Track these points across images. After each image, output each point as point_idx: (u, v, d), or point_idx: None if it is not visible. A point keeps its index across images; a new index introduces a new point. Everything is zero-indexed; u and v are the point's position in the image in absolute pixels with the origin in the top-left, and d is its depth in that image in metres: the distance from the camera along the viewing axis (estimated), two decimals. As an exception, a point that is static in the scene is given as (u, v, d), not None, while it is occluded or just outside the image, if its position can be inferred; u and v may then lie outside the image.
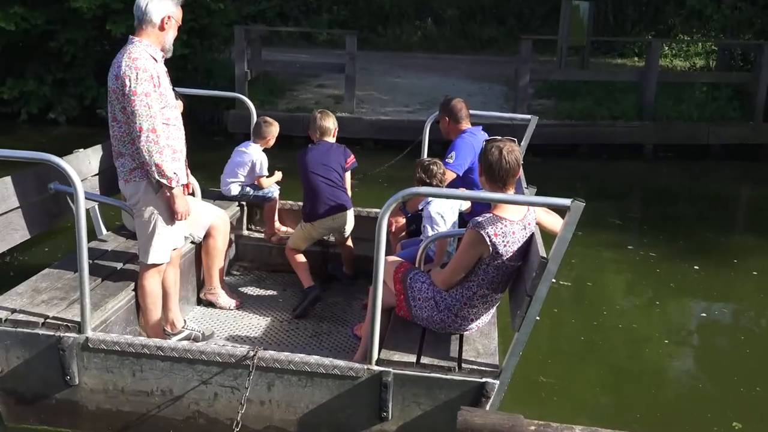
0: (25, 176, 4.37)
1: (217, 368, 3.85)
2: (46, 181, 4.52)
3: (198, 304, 5.36)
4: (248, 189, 5.88)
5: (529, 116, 6.20)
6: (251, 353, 3.80)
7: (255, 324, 5.15)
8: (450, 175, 5.08)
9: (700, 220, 9.25)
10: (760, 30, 14.53)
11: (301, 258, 5.45)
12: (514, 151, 3.79)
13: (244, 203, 6.17)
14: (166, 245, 4.30)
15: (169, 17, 4.07)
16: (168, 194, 4.15)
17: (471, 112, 5.53)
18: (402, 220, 5.34)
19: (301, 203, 5.63)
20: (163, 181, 4.06)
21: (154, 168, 4.03)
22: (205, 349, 3.85)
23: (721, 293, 6.91)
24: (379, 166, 10.02)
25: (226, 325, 5.11)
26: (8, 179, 4.25)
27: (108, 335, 3.93)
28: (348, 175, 5.45)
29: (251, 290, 5.71)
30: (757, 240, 8.56)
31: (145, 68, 3.95)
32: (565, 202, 3.35)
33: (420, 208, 4.79)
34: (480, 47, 21.59)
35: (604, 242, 8.02)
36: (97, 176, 5.05)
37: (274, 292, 5.67)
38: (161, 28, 4.08)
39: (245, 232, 6.32)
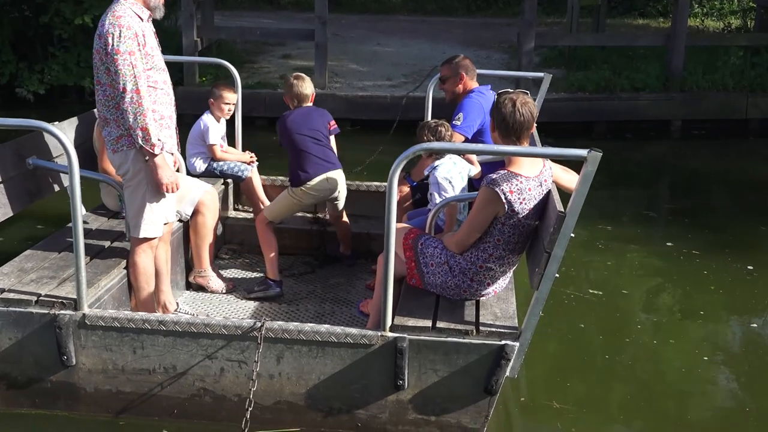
0: (3, 149, 5.14)
1: (222, 342, 4.63)
2: (23, 155, 5.29)
3: (187, 289, 6.18)
4: (214, 164, 6.65)
5: (542, 74, 7.10)
6: (258, 324, 4.58)
7: (250, 308, 5.95)
8: (458, 138, 5.92)
9: (744, 209, 9.74)
10: None
11: (273, 240, 6.19)
12: (527, 103, 4.62)
13: (229, 181, 6.99)
14: (158, 218, 5.09)
15: None
16: (151, 163, 4.89)
17: (480, 71, 6.37)
18: (406, 189, 6.15)
19: (283, 178, 6.42)
20: (146, 147, 4.81)
21: (138, 132, 4.77)
22: (210, 321, 4.64)
23: None
24: (357, 153, 10.22)
25: (219, 310, 5.90)
26: None
27: (106, 311, 4.72)
28: (333, 139, 6.31)
29: (242, 274, 6.54)
30: None
31: (129, 26, 4.73)
32: (582, 152, 4.15)
33: (426, 174, 5.60)
34: (476, 8, 22.77)
35: (639, 239, 8.53)
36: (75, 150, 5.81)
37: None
38: None
39: (232, 213, 7.17)
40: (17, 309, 4.68)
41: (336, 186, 6.25)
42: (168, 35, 14.72)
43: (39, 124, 4.52)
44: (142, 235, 5.08)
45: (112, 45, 4.69)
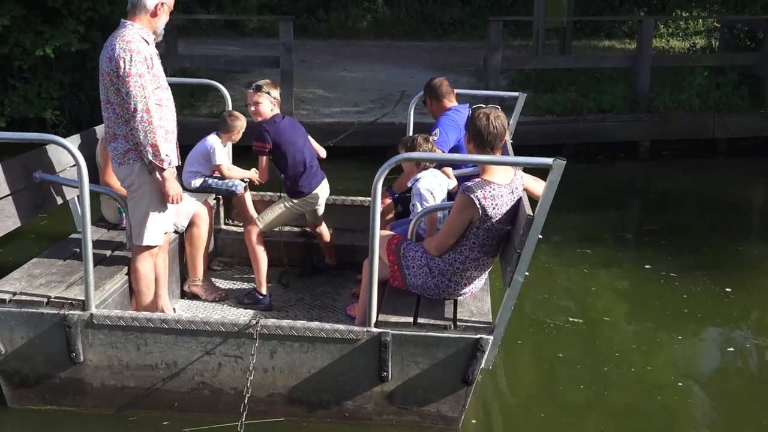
0: (12, 163, 5.87)
1: (220, 338, 5.35)
2: (31, 169, 6.02)
3: (182, 297, 6.91)
4: (210, 181, 7.37)
5: (517, 93, 8.07)
6: (254, 321, 5.32)
7: (243, 315, 6.66)
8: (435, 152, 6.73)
9: (719, 230, 10.33)
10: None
11: (263, 251, 6.94)
12: (500, 117, 5.45)
13: (220, 197, 7.77)
14: (160, 228, 5.83)
15: (162, 3, 5.62)
16: (159, 176, 5.66)
17: (458, 90, 7.24)
18: (388, 201, 6.96)
19: (272, 193, 7.18)
20: (156, 162, 5.57)
21: (148, 148, 5.52)
22: (208, 320, 5.36)
23: (757, 321, 7.82)
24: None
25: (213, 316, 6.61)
26: None
27: (112, 311, 5.44)
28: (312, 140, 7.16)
29: (234, 284, 7.29)
30: None
31: (138, 50, 5.48)
32: (548, 160, 4.97)
33: (408, 185, 6.41)
34: (442, 32, 23.86)
35: (618, 262, 9.11)
36: (75, 167, 6.55)
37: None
38: (154, 14, 5.62)
39: (223, 227, 7.96)
40: (29, 310, 5.38)
41: (326, 194, 7.12)
42: None
43: (52, 137, 5.26)
44: (144, 243, 5.81)
45: (124, 68, 5.43)
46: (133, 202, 5.79)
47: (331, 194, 7.37)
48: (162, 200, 5.76)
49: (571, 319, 7.48)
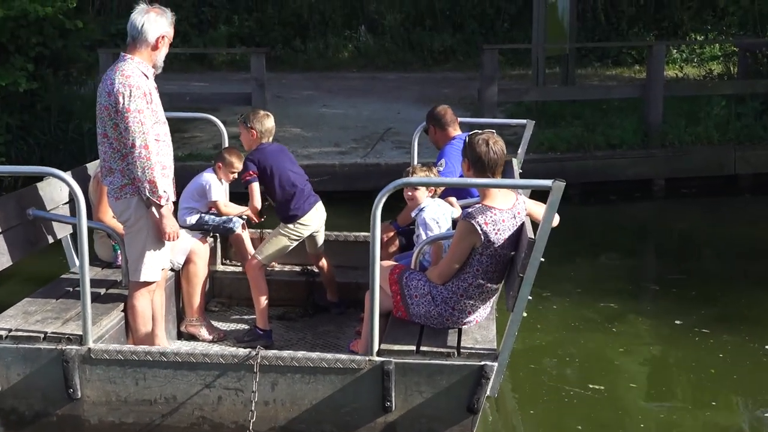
0: (5, 200, 6.77)
1: (220, 371, 6.18)
2: (24, 206, 6.90)
3: (179, 338, 7.77)
4: (206, 218, 8.22)
5: (524, 121, 9.27)
6: (254, 353, 6.17)
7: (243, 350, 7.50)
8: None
9: (753, 280, 10.80)
10: None
11: (264, 285, 7.87)
12: (498, 141, 6.37)
13: (217, 235, 8.65)
14: (158, 264, 6.69)
15: (163, 36, 6.53)
16: (156, 213, 6.50)
17: (462, 119, 8.21)
18: (391, 233, 7.92)
19: (270, 230, 8.12)
20: (153, 198, 6.41)
21: (146, 184, 6.37)
22: (208, 351, 6.23)
23: None
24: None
25: (211, 356, 7.48)
26: None
27: (110, 345, 6.30)
28: None
29: (232, 325, 8.14)
30: None
31: (138, 86, 6.37)
32: (547, 182, 5.88)
33: (413, 216, 7.34)
34: (432, 61, 25.21)
35: (641, 316, 9.62)
36: (68, 204, 7.45)
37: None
38: (155, 47, 6.53)
39: (220, 267, 8.86)
40: (26, 345, 6.21)
41: (322, 218, 8.06)
42: (87, 104, 15.51)
43: (50, 170, 6.15)
44: (142, 279, 6.66)
45: (123, 104, 6.31)
46: (130, 237, 6.66)
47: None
48: (159, 235, 6.62)
49: (591, 386, 7.94)
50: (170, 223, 6.57)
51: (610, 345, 8.89)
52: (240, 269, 8.58)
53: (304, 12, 26.55)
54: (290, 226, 7.91)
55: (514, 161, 8.38)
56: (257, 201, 7.98)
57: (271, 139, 8.04)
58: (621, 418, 7.52)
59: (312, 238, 8.16)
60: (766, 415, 7.59)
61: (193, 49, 23.22)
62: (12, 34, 14.83)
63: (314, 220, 7.98)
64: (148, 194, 6.42)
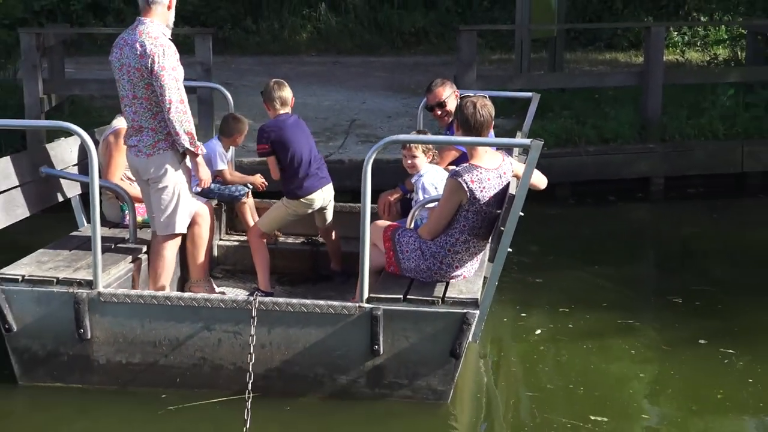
0: (20, 157, 8.62)
1: (220, 315, 7.98)
2: (36, 164, 8.72)
3: None
4: (212, 186, 9.89)
5: (530, 94, 10.88)
6: (251, 299, 7.86)
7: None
8: (451, 152, 9.49)
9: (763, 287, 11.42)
10: None
11: (266, 252, 9.66)
12: (486, 105, 8.21)
13: (222, 204, 10.47)
14: (187, 215, 8.58)
15: None
16: (193, 163, 8.35)
17: (464, 91, 9.93)
18: (397, 195, 9.66)
19: (276, 200, 9.91)
20: (191, 148, 8.28)
21: (185, 136, 8.22)
22: (209, 297, 7.99)
23: None
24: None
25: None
26: (7, 159, 8.46)
27: (119, 289, 8.00)
28: None
29: (236, 290, 9.82)
30: None
31: (168, 45, 8.20)
32: (526, 141, 7.59)
33: (413, 180, 9.19)
34: (402, 44, 26.58)
35: (667, 335, 9.94)
36: (76, 166, 9.25)
37: (262, 291, 9.94)
38: (169, 6, 8.35)
39: (225, 236, 10.75)
40: (39, 288, 8.02)
41: (328, 198, 9.74)
42: (6, 90, 16.55)
43: (67, 124, 7.94)
44: (177, 230, 8.57)
45: (159, 62, 8.10)
46: (159, 192, 8.47)
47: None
48: (188, 188, 8.48)
49: (593, 417, 8.17)
50: (205, 171, 8.52)
51: (626, 370, 9.32)
52: (244, 239, 10.41)
53: (257, -13, 27.89)
54: (292, 201, 9.58)
55: (519, 134, 10.18)
56: (275, 173, 9.56)
57: (289, 109, 9.59)
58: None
59: (321, 212, 9.86)
60: None
61: (126, 28, 24.13)
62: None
63: (317, 202, 9.59)
64: (187, 145, 8.27)
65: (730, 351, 9.26)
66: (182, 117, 8.16)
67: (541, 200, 13.58)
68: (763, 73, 17.75)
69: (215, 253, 10.56)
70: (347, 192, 11.87)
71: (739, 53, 21.24)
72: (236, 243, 10.76)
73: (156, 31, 8.19)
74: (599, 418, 8.08)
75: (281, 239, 10.46)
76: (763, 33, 18.95)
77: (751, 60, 18.93)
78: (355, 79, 21.86)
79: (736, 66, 20.15)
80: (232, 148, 10.36)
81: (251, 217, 10.23)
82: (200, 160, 8.45)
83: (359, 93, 20.30)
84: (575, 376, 8.92)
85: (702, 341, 9.57)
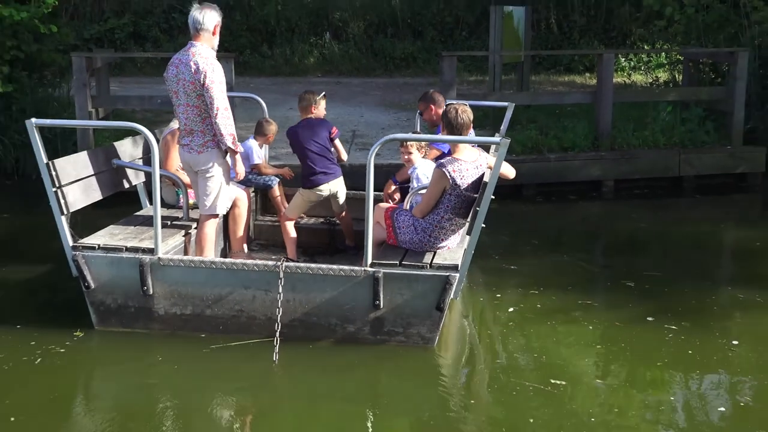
0: (96, 152, 10.23)
1: (254, 276, 9.43)
2: (110, 158, 10.34)
3: None
4: (250, 176, 11.62)
5: (506, 103, 12.63)
6: (279, 263, 9.40)
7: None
8: (435, 152, 11.11)
9: (717, 277, 12.57)
10: (732, 35, 20.34)
11: (293, 231, 11.34)
12: (466, 110, 9.72)
13: (258, 191, 12.11)
14: (227, 200, 10.12)
15: (217, 24, 9.81)
16: (232, 159, 9.86)
17: (450, 100, 11.49)
18: (393, 187, 11.32)
19: (297, 188, 11.53)
20: (232, 147, 9.76)
21: (228, 137, 9.69)
22: (246, 262, 9.51)
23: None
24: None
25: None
26: (85, 153, 10.06)
27: (174, 256, 9.61)
28: (337, 142, 11.41)
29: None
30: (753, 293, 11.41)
31: (215, 62, 9.66)
32: (496, 139, 9.19)
33: (409, 172, 10.71)
34: (393, 67, 28.83)
35: (617, 312, 10.87)
36: (141, 159, 10.93)
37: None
38: (213, 32, 9.80)
39: (259, 217, 12.41)
40: (112, 255, 9.54)
41: (337, 190, 11.35)
42: (61, 105, 18.11)
43: (134, 125, 9.50)
44: (218, 211, 10.11)
45: (209, 77, 9.58)
46: (206, 181, 9.99)
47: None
48: (228, 179, 10.03)
49: (553, 381, 8.97)
50: (240, 166, 10.10)
51: (564, 335, 10.29)
52: (275, 219, 12.19)
53: (272, 19, 30.02)
54: (305, 191, 11.31)
55: (497, 135, 11.45)
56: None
57: (315, 113, 11.32)
58: (572, 412, 8.43)
59: (334, 199, 11.51)
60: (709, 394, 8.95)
61: (164, 53, 25.89)
62: (-13, 39, 17.36)
63: (325, 191, 11.29)
64: (229, 144, 9.79)
65: (673, 327, 10.23)
66: (226, 121, 9.64)
67: (512, 199, 16.22)
68: (696, 93, 19.13)
69: (252, 230, 12.38)
70: (349, 190, 12.88)
71: (676, 76, 23.03)
72: (269, 222, 12.62)
73: (205, 52, 9.68)
74: (558, 382, 8.90)
75: (304, 220, 12.16)
76: (695, 59, 20.38)
77: (686, 82, 20.35)
78: (354, 97, 23.58)
79: (673, 87, 21.67)
80: (265, 146, 12.13)
81: (281, 202, 11.96)
82: (238, 157, 9.92)
83: (358, 108, 22.00)
84: (540, 347, 9.89)
85: (649, 318, 10.57)
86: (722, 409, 8.47)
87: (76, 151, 14.94)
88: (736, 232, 15.63)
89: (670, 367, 9.37)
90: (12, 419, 7.95)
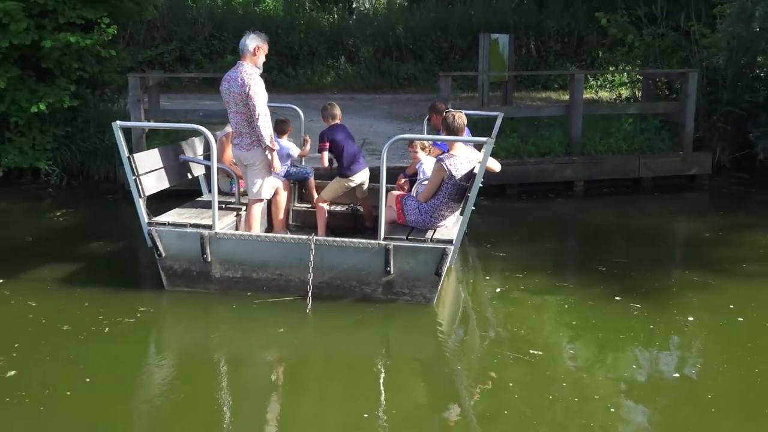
0: (167, 149, 11.82)
1: (291, 247, 10.99)
2: (177, 153, 11.95)
3: None
4: (290, 169, 13.25)
5: (496, 113, 14.18)
6: (311, 237, 10.99)
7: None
8: (436, 151, 12.62)
9: (676, 262, 13.45)
10: (684, 58, 22.00)
11: (325, 213, 12.90)
12: (461, 117, 11.23)
13: (295, 182, 13.69)
14: (270, 187, 11.63)
15: (258, 47, 11.38)
16: (270, 155, 11.39)
17: (451, 110, 13.09)
18: (403, 180, 12.85)
19: (329, 181, 13.15)
20: (270, 145, 11.29)
21: (267, 138, 11.24)
22: (284, 235, 11.09)
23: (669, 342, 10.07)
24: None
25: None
26: (157, 150, 11.67)
27: (228, 231, 11.25)
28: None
29: None
30: (698, 277, 12.24)
31: (259, 78, 11.25)
32: (483, 139, 10.80)
33: (417, 167, 12.34)
34: (398, 85, 31.03)
35: (568, 288, 11.83)
36: (201, 156, 12.57)
37: (323, 238, 12.52)
38: (254, 54, 11.38)
39: (296, 203, 13.94)
40: (179, 230, 11.13)
41: (364, 179, 12.99)
42: (119, 118, 18.08)
43: (197, 127, 11.13)
44: (263, 196, 11.64)
45: (252, 89, 11.12)
46: (253, 173, 11.55)
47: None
48: (270, 170, 11.57)
49: (532, 351, 9.65)
50: (276, 161, 11.58)
51: (543, 312, 11.13)
52: (310, 205, 13.78)
53: (295, 45, 32.46)
54: (342, 178, 12.97)
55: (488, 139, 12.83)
56: (325, 161, 12.87)
57: (338, 120, 13.04)
58: (548, 377, 9.11)
59: (360, 187, 13.17)
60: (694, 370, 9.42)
61: (205, 74, 28.27)
62: (58, 61, 18.57)
63: (357, 179, 12.98)
64: (268, 143, 11.35)
65: (638, 305, 11.05)
66: (266, 124, 11.17)
67: (498, 197, 17.62)
68: (653, 107, 20.51)
69: (290, 215, 13.99)
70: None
71: (636, 93, 24.56)
72: (304, 209, 14.18)
73: (249, 69, 11.24)
74: (536, 352, 9.57)
75: (332, 207, 13.60)
76: (653, 79, 21.66)
77: (645, 98, 21.82)
78: (365, 110, 25.12)
79: (634, 102, 23.16)
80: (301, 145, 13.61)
81: (315, 190, 13.50)
82: (275, 153, 11.39)
83: (368, 120, 23.47)
84: (521, 323, 10.59)
85: (617, 298, 11.40)
86: (676, 375, 9.23)
87: (129, 141, 16.94)
88: (688, 224, 16.83)
89: (634, 340, 10.15)
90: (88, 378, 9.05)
